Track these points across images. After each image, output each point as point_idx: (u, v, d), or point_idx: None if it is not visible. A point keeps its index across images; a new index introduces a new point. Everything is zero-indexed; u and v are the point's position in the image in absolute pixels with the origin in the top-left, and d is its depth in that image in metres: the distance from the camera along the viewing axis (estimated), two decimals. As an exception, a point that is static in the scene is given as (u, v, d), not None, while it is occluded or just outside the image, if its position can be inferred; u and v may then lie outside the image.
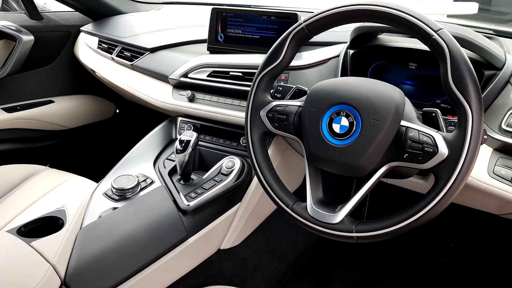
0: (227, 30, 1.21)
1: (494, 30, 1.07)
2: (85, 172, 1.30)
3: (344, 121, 0.69)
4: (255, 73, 0.83)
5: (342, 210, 0.70)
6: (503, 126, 0.77)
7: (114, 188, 0.97)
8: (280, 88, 0.92)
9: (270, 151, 1.07)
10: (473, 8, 1.61)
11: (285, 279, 1.34)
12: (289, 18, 1.11)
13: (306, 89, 0.83)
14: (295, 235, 1.34)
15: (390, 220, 0.66)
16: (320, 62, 1.03)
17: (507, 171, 0.77)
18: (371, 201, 1.44)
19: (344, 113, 0.70)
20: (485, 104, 0.81)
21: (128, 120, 1.99)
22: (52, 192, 1.15)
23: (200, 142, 1.18)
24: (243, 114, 1.08)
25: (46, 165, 1.32)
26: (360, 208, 1.44)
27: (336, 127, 0.70)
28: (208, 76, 1.16)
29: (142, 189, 1.00)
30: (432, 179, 0.65)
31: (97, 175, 1.23)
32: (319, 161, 0.73)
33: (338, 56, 0.99)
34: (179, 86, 1.22)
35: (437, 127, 0.68)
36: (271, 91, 0.92)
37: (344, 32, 1.00)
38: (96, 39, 1.57)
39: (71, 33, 1.69)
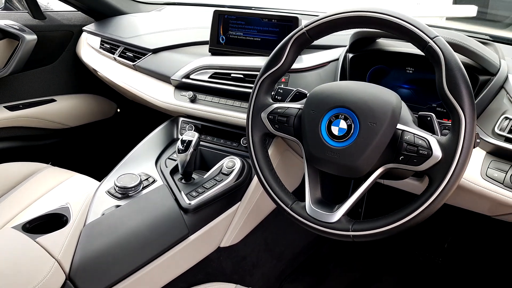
0: (229, 32, 1.23)
1: (490, 36, 1.10)
2: (86, 170, 1.32)
3: (343, 124, 0.72)
4: (256, 75, 0.85)
5: (340, 209, 0.73)
6: (496, 130, 0.80)
7: (117, 186, 0.99)
8: (281, 91, 0.94)
9: (270, 152, 1.10)
10: (472, 11, 1.63)
11: (283, 277, 1.36)
12: (290, 21, 1.13)
13: (306, 92, 0.85)
14: (293, 234, 1.37)
15: (385, 220, 0.69)
16: (320, 65, 1.05)
17: (499, 174, 0.79)
18: (368, 202, 1.47)
19: (343, 116, 0.72)
20: (479, 109, 0.83)
21: (129, 120, 2.01)
22: (54, 189, 1.17)
23: (201, 142, 1.20)
24: (244, 115, 1.10)
25: (48, 163, 1.34)
26: (357, 208, 1.47)
27: (335, 130, 0.73)
28: (209, 77, 1.18)
29: (144, 187, 1.02)
30: (427, 181, 0.67)
31: (98, 174, 1.25)
32: (318, 162, 0.76)
33: (337, 59, 1.01)
34: (181, 87, 1.24)
35: (432, 130, 0.70)
36: (272, 93, 0.94)
37: (344, 36, 1.02)
38: (98, 39, 1.59)
39: (74, 33, 1.71)
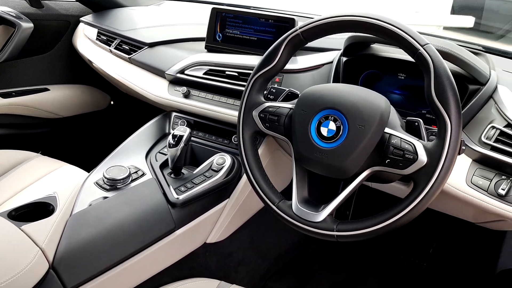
0: (226, 30, 1.24)
1: (483, 46, 1.11)
2: (76, 161, 1.31)
3: (332, 125, 0.73)
4: (250, 73, 0.85)
5: (325, 209, 0.74)
6: (483, 139, 0.81)
7: (105, 178, 0.99)
8: (273, 90, 0.95)
9: (260, 151, 1.10)
10: (469, 21, 1.65)
11: (268, 275, 1.37)
12: (286, 22, 1.14)
13: (298, 92, 0.86)
14: (280, 234, 1.37)
15: (370, 221, 0.70)
16: (313, 67, 1.06)
17: (484, 182, 0.81)
18: (356, 205, 1.48)
19: (332, 117, 0.73)
20: (467, 117, 0.84)
21: (122, 113, 2.00)
22: (43, 179, 1.17)
23: (192, 138, 1.20)
24: (236, 113, 1.10)
25: (38, 152, 1.33)
26: (345, 211, 1.48)
27: (324, 131, 0.73)
28: (204, 74, 1.18)
29: (133, 180, 1.02)
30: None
31: (88, 165, 1.24)
32: (306, 162, 0.76)
33: (331, 62, 1.02)
34: (175, 82, 1.25)
35: (419, 135, 0.71)
36: (265, 92, 0.94)
37: (339, 39, 1.03)
38: (95, 31, 1.58)
39: (70, 23, 1.70)
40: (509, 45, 1.13)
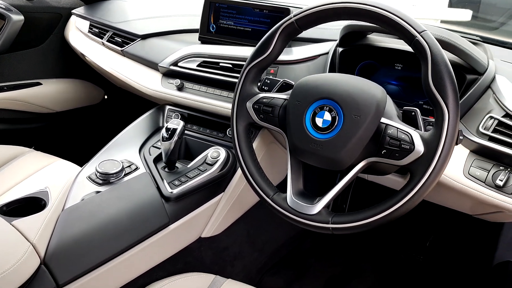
0: (219, 21, 1.22)
1: (480, 37, 1.10)
2: (70, 156, 1.30)
3: (327, 116, 0.71)
4: None
5: (320, 202, 0.72)
6: (480, 129, 0.80)
7: (98, 172, 0.98)
8: (268, 81, 0.93)
9: (255, 144, 1.09)
10: (467, 15, 1.63)
11: (265, 269, 1.36)
12: (281, 12, 1.12)
13: (293, 83, 0.84)
14: (276, 228, 1.36)
15: (365, 213, 0.68)
16: (309, 58, 1.04)
17: (481, 173, 0.79)
18: (353, 198, 1.47)
19: (328, 108, 0.71)
20: (465, 107, 0.83)
21: (116, 107, 1.98)
22: (36, 174, 1.15)
23: (186, 131, 1.18)
24: (230, 106, 1.09)
25: (31, 147, 1.31)
26: (342, 204, 1.47)
27: (319, 121, 0.72)
28: (198, 66, 1.17)
29: (126, 174, 1.01)
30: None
31: (81, 160, 1.22)
32: (301, 153, 0.75)
33: (327, 53, 1.01)
34: (168, 74, 1.23)
35: (415, 125, 0.70)
36: (259, 83, 0.93)
37: (335, 30, 1.02)
38: (87, 23, 1.56)
39: (62, 16, 1.67)
40: (507, 38, 1.11)
